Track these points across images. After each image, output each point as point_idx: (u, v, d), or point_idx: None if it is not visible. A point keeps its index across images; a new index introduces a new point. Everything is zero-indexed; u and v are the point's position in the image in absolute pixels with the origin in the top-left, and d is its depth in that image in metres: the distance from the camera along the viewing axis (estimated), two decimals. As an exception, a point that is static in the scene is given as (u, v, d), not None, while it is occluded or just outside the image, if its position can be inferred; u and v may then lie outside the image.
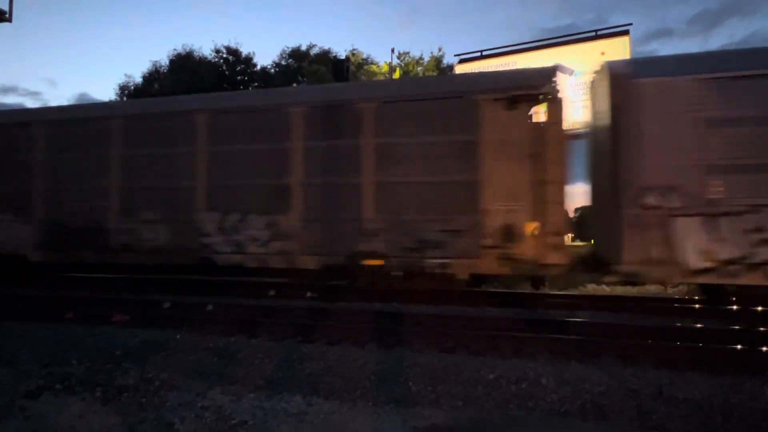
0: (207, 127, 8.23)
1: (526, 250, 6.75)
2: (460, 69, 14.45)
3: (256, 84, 26.45)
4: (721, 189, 6.21)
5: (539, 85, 6.88)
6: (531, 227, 6.72)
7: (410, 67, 25.37)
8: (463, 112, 7.06)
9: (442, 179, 7.09)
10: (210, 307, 7.12)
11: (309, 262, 7.59)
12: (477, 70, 13.42)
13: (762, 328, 5.67)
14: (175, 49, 27.20)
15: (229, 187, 8.04)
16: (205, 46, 36.63)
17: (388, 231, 7.24)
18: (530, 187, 6.76)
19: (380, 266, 7.27)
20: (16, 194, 9.15)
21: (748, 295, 6.54)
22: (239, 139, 8.05)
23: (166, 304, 7.31)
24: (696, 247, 6.29)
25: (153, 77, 27.00)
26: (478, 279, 7.57)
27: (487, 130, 6.96)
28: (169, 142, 8.43)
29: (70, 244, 8.79)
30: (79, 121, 9.04)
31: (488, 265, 6.91)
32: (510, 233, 6.82)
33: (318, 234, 7.57)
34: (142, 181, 8.52)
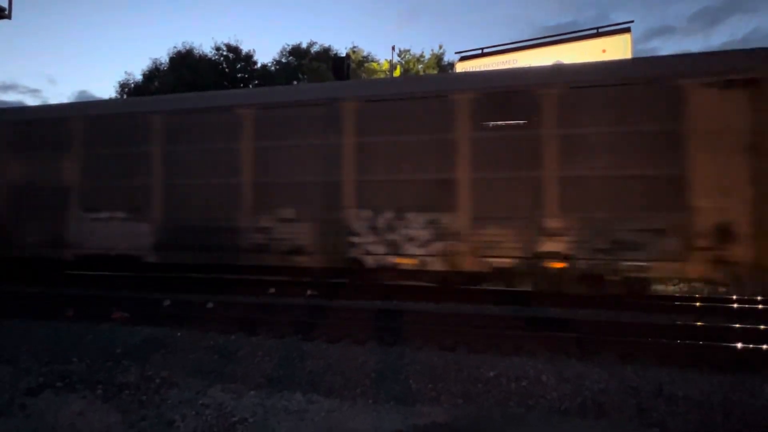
0: (355, 116, 7.42)
1: (743, 252, 6.01)
2: (460, 67, 14.40)
3: (256, 82, 26.42)
4: None
5: (757, 68, 6.24)
6: (748, 226, 6.03)
7: (410, 65, 25.35)
8: (665, 99, 6.36)
9: (640, 173, 6.39)
10: (210, 305, 7.12)
11: (476, 265, 6.89)
12: (477, 69, 13.38)
13: (762, 326, 5.66)
14: (175, 47, 27.15)
15: (383, 182, 7.25)
16: (206, 44, 36.66)
17: (575, 230, 6.54)
18: (748, 181, 6.04)
19: (563, 269, 6.64)
20: (130, 190, 8.36)
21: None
22: (393, 129, 7.24)
23: (167, 302, 7.32)
24: None
25: (153, 75, 26.94)
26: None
27: (696, 119, 6.25)
28: (310, 134, 7.59)
29: (192, 245, 8.00)
30: (204, 110, 8.21)
31: (698, 268, 6.19)
32: (725, 233, 6.08)
33: (488, 233, 6.82)
34: (279, 176, 7.67)
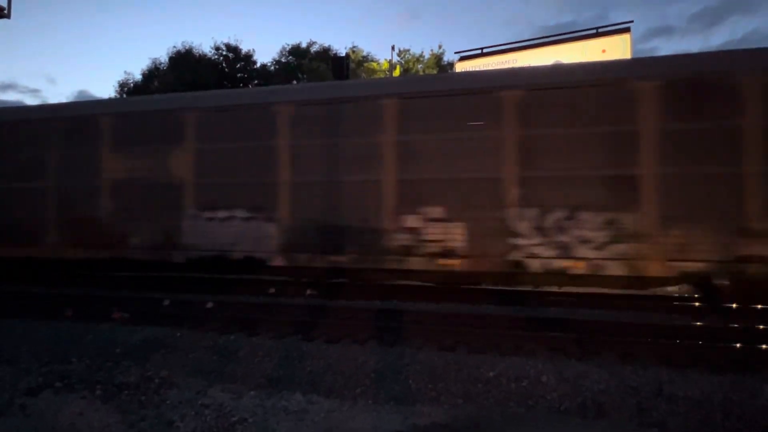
0: (520, 106, 6.72)
1: None
2: (460, 67, 14.42)
3: (256, 82, 26.41)
4: None
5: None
6: None
7: (410, 65, 25.36)
8: None
9: None
10: (210, 305, 7.12)
11: (662, 269, 6.27)
12: (477, 68, 13.38)
13: (761, 326, 5.66)
14: (174, 47, 27.15)
15: (552, 178, 6.58)
16: (205, 44, 36.57)
17: None
18: None
19: None
20: (254, 187, 7.66)
21: None
22: (565, 120, 6.55)
23: (166, 302, 7.31)
24: None
25: (152, 74, 26.94)
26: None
27: None
28: (463, 126, 6.89)
29: (326, 246, 7.32)
30: (337, 100, 7.52)
31: None
32: None
33: (677, 235, 6.15)
34: (428, 171, 7.01)
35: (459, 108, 6.94)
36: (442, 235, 6.90)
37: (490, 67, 13.02)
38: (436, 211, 6.93)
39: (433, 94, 7.14)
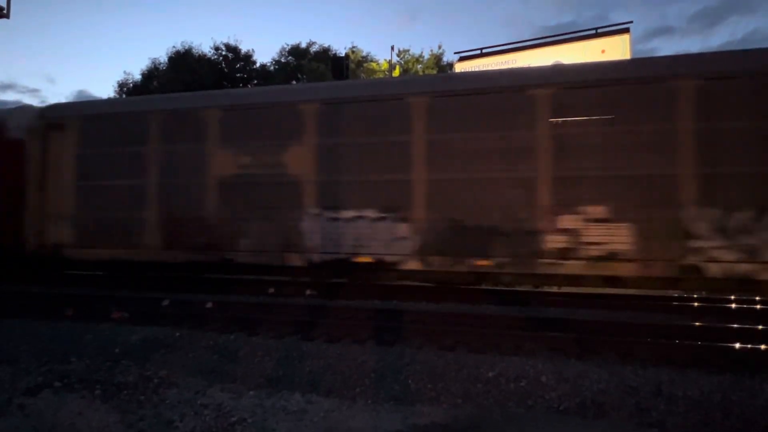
0: (697, 95, 6.12)
1: None
2: (459, 67, 14.42)
3: (255, 82, 26.42)
4: None
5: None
6: None
7: (410, 65, 25.38)
8: None
9: None
10: (209, 305, 7.11)
11: None
12: (477, 69, 13.39)
13: (761, 326, 5.67)
14: (174, 47, 27.17)
15: (741, 175, 5.95)
16: (205, 44, 36.59)
17: None
18: None
19: None
20: (385, 184, 7.06)
21: None
22: (752, 113, 5.94)
23: (166, 302, 7.30)
24: None
25: (152, 74, 26.95)
26: None
27: None
28: (628, 117, 6.31)
29: (468, 249, 6.73)
30: (479, 91, 6.87)
31: None
32: None
33: None
34: (588, 168, 6.38)
35: (624, 97, 6.36)
36: (604, 236, 6.31)
37: (491, 67, 13.02)
38: (598, 211, 6.34)
39: (590, 83, 6.53)
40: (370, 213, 7.11)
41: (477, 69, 13.17)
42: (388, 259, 7.03)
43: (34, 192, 8.74)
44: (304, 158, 7.40)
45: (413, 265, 6.94)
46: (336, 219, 7.23)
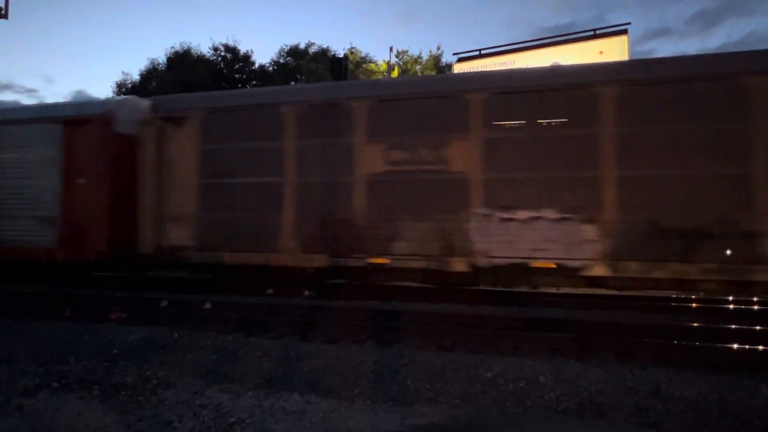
0: None
1: None
2: (458, 68, 14.44)
3: (254, 82, 26.40)
4: None
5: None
6: None
7: (409, 66, 25.39)
8: None
9: None
10: (208, 305, 7.10)
11: None
12: (474, 70, 13.41)
13: (759, 327, 5.68)
14: (172, 47, 27.07)
15: None
16: (203, 44, 36.50)
17: None
18: None
19: None
20: (568, 182, 6.42)
21: None
22: None
23: (164, 302, 7.29)
24: None
25: (150, 75, 26.89)
26: None
27: None
28: None
29: (667, 253, 6.05)
30: (694, 77, 6.11)
31: None
32: None
33: None
34: None
35: None
36: None
37: (489, 68, 13.04)
38: None
39: None
40: (550, 213, 6.49)
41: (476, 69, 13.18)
42: (570, 264, 6.41)
43: (150, 191, 8.08)
44: (471, 154, 6.75)
45: (600, 270, 6.33)
46: (510, 220, 6.61)
